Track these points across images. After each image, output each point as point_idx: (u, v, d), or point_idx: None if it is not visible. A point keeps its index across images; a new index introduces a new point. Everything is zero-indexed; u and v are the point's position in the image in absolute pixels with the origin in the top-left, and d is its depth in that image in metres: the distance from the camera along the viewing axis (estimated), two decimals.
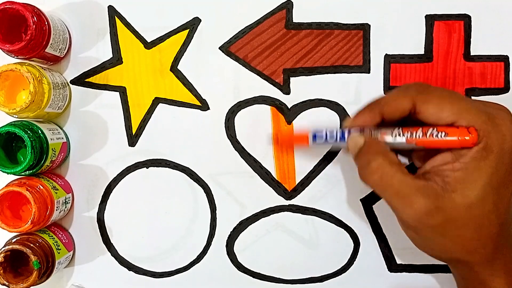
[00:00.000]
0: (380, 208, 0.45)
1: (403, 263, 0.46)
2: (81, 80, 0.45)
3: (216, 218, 0.46)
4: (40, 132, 0.41)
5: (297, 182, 0.45)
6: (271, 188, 0.46)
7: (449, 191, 0.34)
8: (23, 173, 0.41)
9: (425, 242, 0.37)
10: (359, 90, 0.45)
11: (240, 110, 0.45)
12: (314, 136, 0.40)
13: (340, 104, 0.45)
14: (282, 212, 0.46)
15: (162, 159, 0.46)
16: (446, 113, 0.35)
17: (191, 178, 0.46)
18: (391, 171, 0.35)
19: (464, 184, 0.34)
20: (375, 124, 0.37)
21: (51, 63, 0.45)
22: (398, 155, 0.41)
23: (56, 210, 0.42)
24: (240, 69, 0.45)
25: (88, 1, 0.45)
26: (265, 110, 0.45)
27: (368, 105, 0.38)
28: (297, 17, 0.45)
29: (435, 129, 0.35)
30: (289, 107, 0.45)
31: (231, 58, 0.45)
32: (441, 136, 0.35)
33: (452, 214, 0.34)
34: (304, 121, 0.45)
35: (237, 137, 0.45)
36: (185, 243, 0.46)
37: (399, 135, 0.37)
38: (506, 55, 0.44)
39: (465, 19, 0.44)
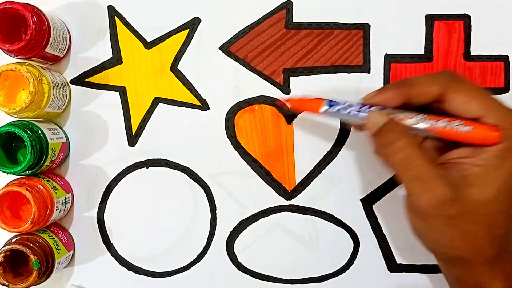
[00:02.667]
0: (380, 208, 0.45)
1: (403, 263, 0.46)
2: (81, 80, 0.45)
3: (216, 218, 0.46)
4: (40, 132, 0.41)
5: (297, 182, 0.45)
6: (271, 188, 0.46)
7: (467, 185, 0.33)
8: (23, 173, 0.41)
9: (433, 233, 0.35)
10: (359, 90, 0.45)
11: (240, 110, 0.45)
12: (330, 103, 0.37)
13: None
14: (282, 212, 0.46)
15: (162, 159, 0.46)
16: (474, 106, 0.34)
17: (191, 178, 0.46)
18: (417, 154, 0.34)
19: (482, 181, 0.33)
20: (396, 104, 0.36)
21: (51, 63, 0.45)
22: None
23: (56, 210, 0.42)
24: (240, 69, 0.45)
25: (88, 1, 0.45)
26: (266, 110, 0.45)
27: (395, 83, 0.37)
28: (297, 17, 0.45)
29: (462, 121, 0.34)
30: (289, 107, 0.45)
31: (231, 58, 0.45)
32: (466, 129, 0.33)
33: (467, 208, 0.33)
34: (304, 121, 0.45)
35: (237, 137, 0.45)
36: (185, 243, 0.46)
37: (421, 121, 0.35)
38: (506, 55, 0.44)
39: (465, 19, 0.44)
